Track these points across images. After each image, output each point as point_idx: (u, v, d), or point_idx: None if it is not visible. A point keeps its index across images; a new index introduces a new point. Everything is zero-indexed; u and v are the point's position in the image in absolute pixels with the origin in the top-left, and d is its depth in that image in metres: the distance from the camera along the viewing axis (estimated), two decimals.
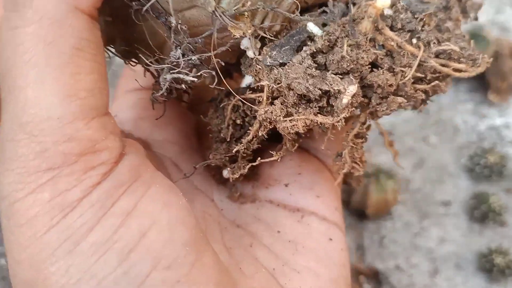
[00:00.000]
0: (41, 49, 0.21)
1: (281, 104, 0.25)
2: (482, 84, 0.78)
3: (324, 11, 0.26)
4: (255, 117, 0.28)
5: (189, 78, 0.25)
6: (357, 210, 0.66)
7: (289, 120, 0.25)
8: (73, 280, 0.22)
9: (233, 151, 0.29)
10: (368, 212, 0.64)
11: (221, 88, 0.26)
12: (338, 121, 0.25)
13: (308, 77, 0.24)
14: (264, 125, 0.27)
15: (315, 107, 0.25)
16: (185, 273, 0.23)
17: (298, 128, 0.25)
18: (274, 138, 0.30)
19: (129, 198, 0.23)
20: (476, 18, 0.28)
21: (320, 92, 0.24)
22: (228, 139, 0.29)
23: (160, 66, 0.25)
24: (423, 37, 0.25)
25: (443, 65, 0.25)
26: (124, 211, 0.22)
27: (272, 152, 0.29)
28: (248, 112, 0.29)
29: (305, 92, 0.24)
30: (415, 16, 0.25)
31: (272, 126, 0.27)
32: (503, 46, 0.74)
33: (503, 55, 0.74)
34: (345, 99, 0.24)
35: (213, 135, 0.30)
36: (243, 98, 0.28)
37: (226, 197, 0.32)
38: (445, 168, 0.69)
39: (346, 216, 0.67)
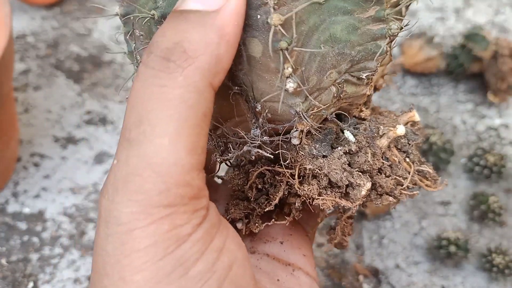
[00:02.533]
0: (184, 109, 0.27)
1: (317, 184, 0.33)
2: (481, 84, 0.78)
3: (345, 121, 0.35)
4: (272, 185, 0.36)
5: (266, 155, 0.32)
6: (357, 210, 0.66)
7: (321, 199, 0.33)
8: None
9: (264, 210, 0.36)
10: (368, 212, 0.64)
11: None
12: (355, 206, 0.33)
13: (343, 170, 0.32)
14: (284, 194, 0.35)
15: (338, 192, 0.33)
16: None
17: (327, 206, 0.33)
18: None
19: (220, 238, 0.28)
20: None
21: (347, 182, 0.33)
22: (251, 199, 0.36)
23: (242, 139, 0.32)
24: (411, 157, 0.35)
25: (419, 180, 0.35)
26: (218, 248, 0.28)
27: (274, 217, 0.38)
28: (269, 180, 0.36)
29: (338, 180, 0.32)
30: (409, 142, 0.35)
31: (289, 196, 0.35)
32: (503, 46, 0.74)
33: (503, 56, 0.74)
34: (363, 191, 0.33)
35: (234, 193, 0.37)
36: (271, 169, 0.35)
37: None
38: (445, 168, 0.69)
39: None
